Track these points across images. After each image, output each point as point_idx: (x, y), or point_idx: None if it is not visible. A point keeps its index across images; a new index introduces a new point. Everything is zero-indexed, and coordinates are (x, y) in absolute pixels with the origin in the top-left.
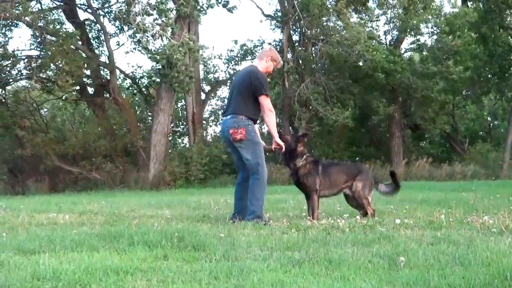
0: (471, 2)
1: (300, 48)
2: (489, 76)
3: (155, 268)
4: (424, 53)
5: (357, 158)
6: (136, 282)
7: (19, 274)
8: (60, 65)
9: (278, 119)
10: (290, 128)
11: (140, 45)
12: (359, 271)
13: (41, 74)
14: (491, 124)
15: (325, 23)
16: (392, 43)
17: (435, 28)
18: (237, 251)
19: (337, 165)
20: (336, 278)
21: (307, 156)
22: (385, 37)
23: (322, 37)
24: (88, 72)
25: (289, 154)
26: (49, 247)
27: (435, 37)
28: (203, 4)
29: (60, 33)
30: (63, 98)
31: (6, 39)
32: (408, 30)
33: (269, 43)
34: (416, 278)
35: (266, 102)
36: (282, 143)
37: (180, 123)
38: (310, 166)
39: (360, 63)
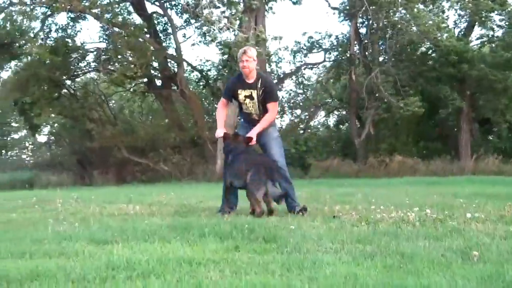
0: None
1: (367, 40)
2: None
3: (227, 259)
4: (494, 44)
5: (424, 152)
6: (209, 273)
7: (94, 264)
8: (127, 57)
9: (344, 112)
10: (356, 121)
11: (208, 37)
12: (432, 265)
13: (109, 66)
14: None
15: (393, 14)
16: (461, 34)
17: (505, 17)
18: (308, 244)
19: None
20: (409, 272)
21: None
22: (454, 28)
23: (390, 29)
24: (155, 65)
25: None
26: (122, 237)
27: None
28: None
29: (128, 25)
30: (131, 90)
31: (75, 31)
32: (478, 19)
33: (336, 36)
34: (491, 273)
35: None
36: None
37: None
38: None
39: (430, 52)
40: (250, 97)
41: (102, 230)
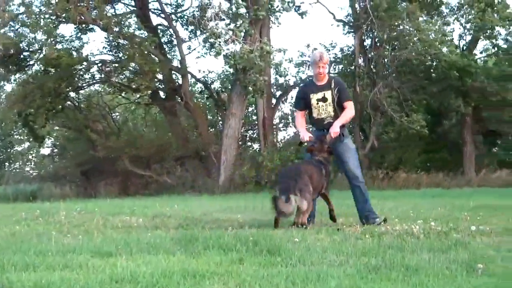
0: None
1: (372, 53)
2: None
3: (232, 272)
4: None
5: (429, 164)
6: (213, 285)
7: (98, 276)
8: (137, 68)
9: (351, 125)
10: (360, 133)
11: (213, 50)
12: (437, 278)
13: (114, 79)
14: None
15: (397, 27)
16: (466, 46)
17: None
18: (313, 256)
19: None
20: (414, 285)
21: None
22: (459, 41)
23: (394, 42)
24: (160, 76)
25: None
26: (126, 250)
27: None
28: (278, 7)
29: (136, 38)
30: (136, 102)
31: (80, 43)
32: (483, 33)
33: (341, 48)
34: (496, 286)
35: None
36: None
37: (250, 128)
38: None
39: (434, 63)
40: (323, 99)
41: (106, 242)
